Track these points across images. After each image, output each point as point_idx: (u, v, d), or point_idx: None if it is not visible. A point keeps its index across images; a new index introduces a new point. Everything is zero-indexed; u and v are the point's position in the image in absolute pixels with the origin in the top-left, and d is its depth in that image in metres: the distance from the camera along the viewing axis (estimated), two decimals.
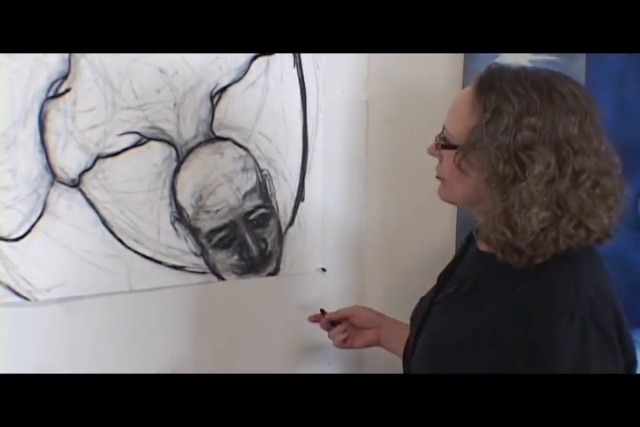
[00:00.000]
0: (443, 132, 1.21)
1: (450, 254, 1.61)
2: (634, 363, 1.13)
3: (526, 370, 1.07)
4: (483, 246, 1.24)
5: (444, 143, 1.20)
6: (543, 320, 1.06)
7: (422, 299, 1.38)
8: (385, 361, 1.61)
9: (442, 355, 1.18)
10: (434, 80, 1.67)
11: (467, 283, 1.21)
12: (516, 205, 1.09)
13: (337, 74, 1.66)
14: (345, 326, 1.54)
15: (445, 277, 1.31)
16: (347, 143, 1.72)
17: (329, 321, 1.55)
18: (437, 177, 1.25)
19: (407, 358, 1.31)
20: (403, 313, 1.53)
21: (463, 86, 1.60)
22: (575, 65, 1.45)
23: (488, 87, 1.14)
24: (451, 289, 1.24)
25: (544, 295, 1.08)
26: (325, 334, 1.63)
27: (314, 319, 1.58)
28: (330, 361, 1.71)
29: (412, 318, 1.37)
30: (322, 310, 1.58)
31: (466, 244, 1.33)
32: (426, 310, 1.28)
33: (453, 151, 1.17)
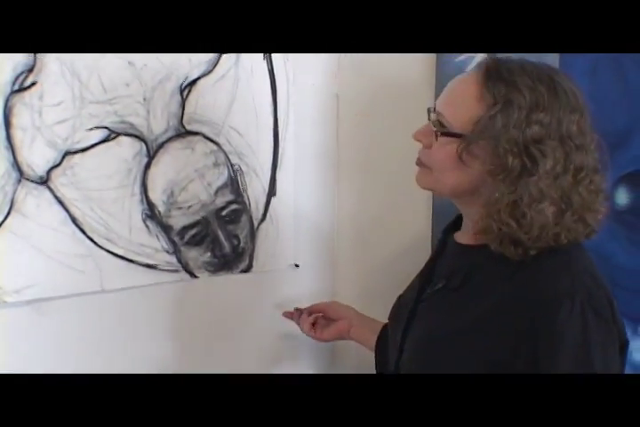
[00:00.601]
0: (437, 118, 1.17)
1: (425, 249, 1.61)
2: (626, 343, 1.15)
3: (530, 358, 1.06)
4: (466, 239, 1.22)
5: (444, 130, 1.15)
6: (545, 307, 1.07)
7: (400, 297, 1.36)
8: (359, 357, 1.60)
9: (438, 351, 1.16)
10: (405, 73, 1.65)
11: (455, 277, 1.18)
12: (525, 197, 1.09)
13: (307, 67, 1.64)
14: (314, 315, 1.54)
15: (428, 272, 1.28)
16: (317, 137, 1.69)
17: (300, 314, 1.55)
18: (420, 164, 1.21)
19: (395, 358, 1.25)
20: (376, 309, 1.51)
21: (436, 80, 1.59)
22: (548, 58, 1.44)
23: (497, 77, 1.12)
24: (439, 285, 1.21)
25: (543, 284, 1.09)
26: (298, 332, 1.62)
27: (287, 315, 1.57)
28: (302, 358, 1.69)
29: (393, 318, 1.34)
30: (296, 309, 1.57)
31: (444, 237, 1.31)
32: (412, 308, 1.24)
33: (452, 139, 1.14)
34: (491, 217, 1.12)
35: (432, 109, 1.20)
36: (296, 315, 1.56)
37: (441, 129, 1.16)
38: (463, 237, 1.24)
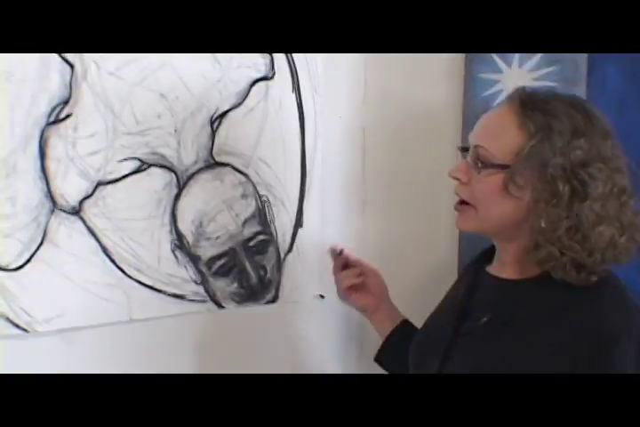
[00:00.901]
0: (478, 152, 1.18)
1: (451, 279, 1.60)
2: None
3: None
4: (507, 274, 1.23)
5: (488, 163, 1.17)
6: (604, 346, 1.09)
7: (422, 326, 1.35)
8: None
9: None
10: (431, 105, 1.67)
11: (503, 312, 1.19)
12: (584, 221, 1.12)
13: (334, 99, 1.65)
14: (358, 273, 1.50)
15: (463, 306, 1.27)
16: (344, 169, 1.70)
17: (343, 262, 1.51)
18: (461, 205, 1.21)
19: None
20: None
21: (463, 110, 1.61)
22: (575, 91, 1.46)
23: (533, 106, 1.16)
24: (484, 319, 1.20)
25: (601, 321, 1.11)
26: (323, 363, 1.61)
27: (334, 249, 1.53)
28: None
29: (420, 352, 1.32)
30: (341, 251, 1.54)
31: (475, 271, 1.31)
32: (449, 342, 1.23)
33: (495, 171, 1.16)
34: (551, 244, 1.13)
35: (463, 148, 1.22)
36: (337, 258, 1.52)
37: (483, 162, 1.17)
38: (502, 271, 1.25)
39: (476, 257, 1.35)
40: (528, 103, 1.17)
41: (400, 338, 1.47)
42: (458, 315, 1.26)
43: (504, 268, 1.25)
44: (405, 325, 1.50)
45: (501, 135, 1.17)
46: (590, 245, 1.12)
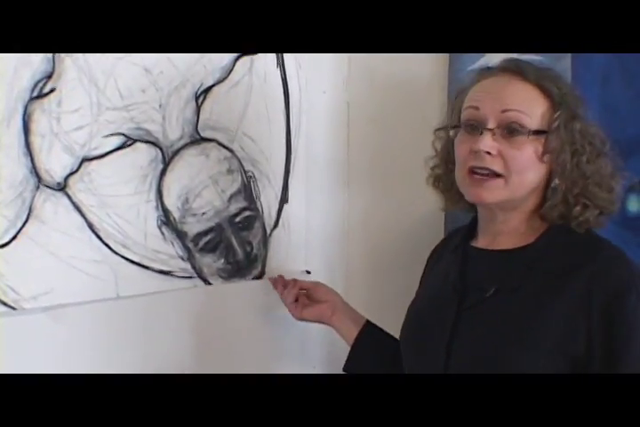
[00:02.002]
0: (507, 118, 1.19)
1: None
2: None
3: (605, 341, 1.13)
4: (502, 244, 1.25)
5: (524, 127, 1.19)
6: (618, 296, 1.13)
7: (415, 309, 1.36)
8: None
9: (510, 352, 1.16)
10: (416, 79, 1.66)
11: (508, 281, 1.20)
12: (605, 174, 1.22)
13: (318, 74, 1.65)
14: (298, 288, 1.51)
15: (461, 281, 1.27)
16: (329, 144, 1.70)
17: (283, 286, 1.52)
18: (498, 175, 1.20)
19: (440, 365, 1.23)
20: (387, 314, 1.52)
21: (449, 85, 1.60)
22: (561, 64, 1.46)
23: (542, 77, 1.22)
24: (490, 290, 1.20)
25: (611, 276, 1.16)
26: (312, 337, 1.62)
27: (271, 281, 1.54)
28: (315, 364, 1.69)
29: (419, 329, 1.31)
30: (280, 276, 1.55)
31: (463, 247, 1.31)
32: (455, 317, 1.23)
33: (533, 138, 1.19)
34: (584, 200, 1.21)
35: (461, 125, 1.24)
36: (280, 282, 1.53)
37: (521, 125, 1.19)
38: (494, 243, 1.27)
39: (462, 233, 1.35)
40: (535, 73, 1.22)
41: (368, 339, 1.48)
42: (457, 291, 1.26)
43: (496, 240, 1.26)
44: (369, 325, 1.50)
45: (532, 101, 1.21)
46: (613, 196, 1.23)
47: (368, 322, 1.51)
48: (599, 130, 1.25)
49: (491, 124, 1.19)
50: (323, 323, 1.52)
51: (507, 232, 1.25)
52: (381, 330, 1.50)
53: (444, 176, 1.33)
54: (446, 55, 1.61)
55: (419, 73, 1.66)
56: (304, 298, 1.52)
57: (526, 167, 1.20)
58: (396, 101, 1.69)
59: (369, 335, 1.49)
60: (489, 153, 1.19)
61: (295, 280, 1.54)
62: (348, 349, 1.51)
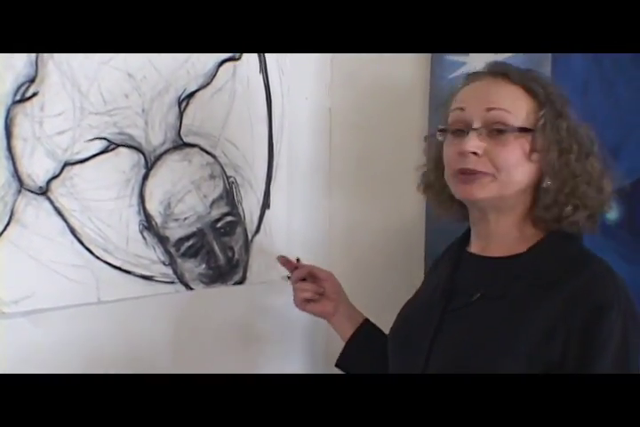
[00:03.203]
0: (492, 117, 1.20)
1: (418, 259, 1.62)
2: None
3: (578, 353, 1.13)
4: (494, 252, 1.26)
5: (509, 126, 1.20)
6: (598, 312, 1.13)
7: (404, 312, 1.37)
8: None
9: (486, 355, 1.17)
10: (398, 85, 1.67)
11: (494, 288, 1.21)
12: (595, 175, 1.23)
13: (301, 80, 1.66)
14: (312, 286, 1.50)
15: (450, 285, 1.28)
16: (310, 150, 1.71)
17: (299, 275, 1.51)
18: (485, 173, 1.20)
19: (420, 367, 1.24)
20: (370, 318, 1.52)
21: (430, 91, 1.61)
22: (541, 70, 1.47)
23: (526, 77, 1.24)
24: (476, 295, 1.22)
25: (595, 291, 1.15)
26: (293, 343, 1.62)
27: (284, 261, 1.53)
28: (297, 371, 1.69)
29: (406, 336, 1.32)
30: (297, 259, 1.54)
31: (457, 253, 1.33)
32: (439, 319, 1.24)
33: (519, 135, 1.20)
34: (573, 200, 1.21)
35: (449, 129, 1.25)
36: (291, 266, 1.52)
37: (506, 124, 1.20)
38: (486, 249, 1.28)
39: (458, 238, 1.36)
40: (520, 75, 1.24)
41: (364, 337, 1.49)
42: (445, 294, 1.27)
43: (489, 246, 1.27)
44: (366, 324, 1.51)
45: (517, 100, 1.22)
46: (603, 197, 1.24)
47: (366, 321, 1.51)
48: (588, 130, 1.25)
49: (476, 124, 1.21)
50: (322, 318, 1.53)
51: (499, 235, 1.26)
52: (378, 330, 1.50)
53: (435, 182, 1.34)
54: (428, 61, 1.62)
55: (400, 79, 1.67)
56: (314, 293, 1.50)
57: (513, 165, 1.20)
58: (378, 107, 1.70)
59: (364, 334, 1.49)
60: (475, 153, 1.20)
61: (312, 269, 1.51)
62: (331, 353, 1.52)
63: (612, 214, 1.52)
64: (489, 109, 1.21)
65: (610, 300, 1.15)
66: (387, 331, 1.40)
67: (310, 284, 1.51)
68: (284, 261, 1.53)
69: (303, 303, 1.50)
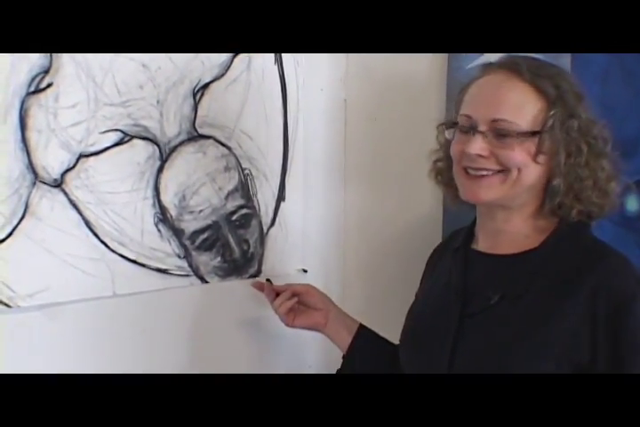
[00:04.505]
0: (494, 127, 1.18)
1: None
2: None
3: (611, 357, 1.12)
4: (504, 249, 1.24)
5: (513, 133, 1.17)
6: (620, 311, 1.12)
7: (416, 312, 1.35)
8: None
9: (516, 357, 1.16)
10: (414, 77, 1.65)
11: (515, 286, 1.19)
12: (602, 176, 1.20)
13: (316, 71, 1.64)
14: (290, 295, 1.46)
15: (462, 287, 1.25)
16: (326, 142, 1.69)
17: (275, 291, 1.47)
18: (499, 171, 1.19)
19: (439, 371, 1.22)
20: (384, 314, 1.52)
21: (447, 83, 1.59)
22: (560, 62, 1.45)
23: (538, 74, 1.20)
24: (495, 297, 1.20)
25: (617, 283, 1.15)
26: (308, 336, 1.61)
27: (256, 286, 1.49)
28: (310, 364, 1.68)
29: (422, 342, 1.29)
30: (268, 280, 1.51)
31: (463, 251, 1.30)
32: (458, 324, 1.22)
33: (525, 139, 1.18)
34: (577, 202, 1.20)
35: (453, 122, 1.23)
36: (267, 288, 1.48)
37: (509, 133, 1.18)
38: (495, 247, 1.25)
39: (463, 237, 1.33)
40: (531, 71, 1.19)
41: (363, 344, 1.46)
42: (459, 295, 1.25)
43: (498, 243, 1.25)
44: (363, 329, 1.48)
45: (524, 104, 1.19)
46: (607, 201, 1.21)
47: (361, 327, 1.48)
48: (603, 128, 1.22)
49: (482, 128, 1.20)
50: (315, 331, 1.49)
51: (508, 233, 1.24)
52: (375, 334, 1.48)
53: (445, 170, 1.32)
54: (445, 53, 1.60)
55: (417, 70, 1.65)
56: (296, 305, 1.46)
57: (520, 165, 1.18)
58: (394, 99, 1.68)
59: (362, 341, 1.46)
60: (481, 155, 1.19)
61: (288, 287, 1.48)
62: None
63: (633, 206, 1.50)
64: (494, 121, 1.19)
65: (631, 292, 1.14)
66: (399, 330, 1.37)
67: (284, 297, 1.45)
68: (258, 286, 1.49)
69: (289, 318, 1.45)
